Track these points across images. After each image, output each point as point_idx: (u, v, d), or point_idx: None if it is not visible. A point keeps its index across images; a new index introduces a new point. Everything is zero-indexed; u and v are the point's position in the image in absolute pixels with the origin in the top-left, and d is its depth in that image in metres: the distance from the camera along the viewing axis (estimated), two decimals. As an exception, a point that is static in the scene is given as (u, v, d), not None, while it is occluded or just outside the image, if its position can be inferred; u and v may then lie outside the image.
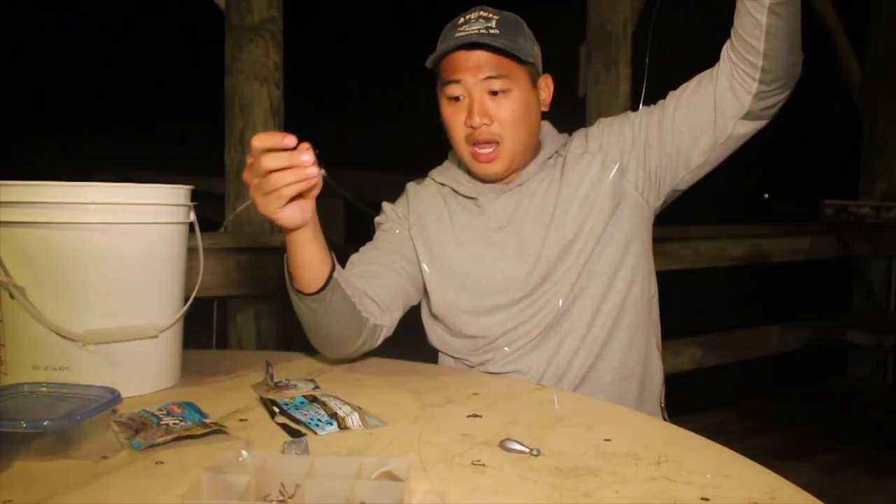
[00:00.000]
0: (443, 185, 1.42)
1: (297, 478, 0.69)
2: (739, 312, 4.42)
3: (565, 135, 1.40)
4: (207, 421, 0.94)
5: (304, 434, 0.92)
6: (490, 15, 1.29)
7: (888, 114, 4.09)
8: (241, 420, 0.99)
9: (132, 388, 1.08)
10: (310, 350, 1.34)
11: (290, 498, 0.70)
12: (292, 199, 1.02)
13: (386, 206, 1.47)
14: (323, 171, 1.02)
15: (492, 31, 1.26)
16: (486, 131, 1.28)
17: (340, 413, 0.97)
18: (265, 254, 2.32)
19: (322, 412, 0.98)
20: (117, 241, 1.08)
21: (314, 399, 1.03)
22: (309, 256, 1.12)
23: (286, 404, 1.01)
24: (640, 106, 1.33)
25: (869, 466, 2.79)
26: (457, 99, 1.30)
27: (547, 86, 1.37)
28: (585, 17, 3.30)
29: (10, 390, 0.95)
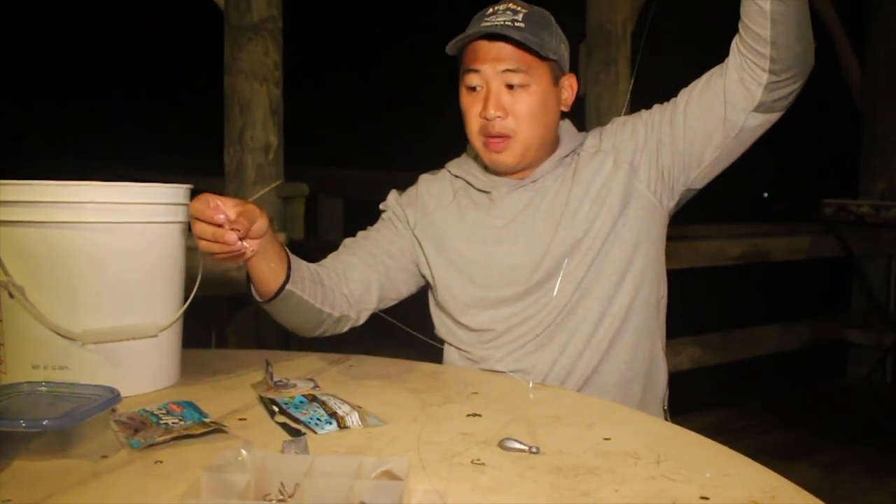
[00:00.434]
0: (457, 177, 1.42)
1: (297, 477, 0.69)
2: (739, 312, 4.42)
3: (584, 133, 1.39)
4: (207, 420, 0.94)
5: (304, 433, 0.92)
6: (518, 8, 1.28)
7: (888, 113, 4.09)
8: (241, 419, 0.99)
9: (132, 387, 1.08)
10: (310, 349, 1.34)
11: (289, 497, 0.70)
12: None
13: (393, 195, 1.47)
14: (250, 247, 1.06)
15: (517, 24, 1.25)
16: (500, 124, 1.27)
17: (340, 412, 0.97)
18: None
19: (321, 411, 0.98)
20: (117, 241, 1.08)
21: (314, 398, 1.03)
22: (261, 274, 1.16)
23: (286, 403, 1.01)
24: (625, 106, 1.33)
25: (868, 465, 2.79)
26: (474, 89, 1.29)
27: (570, 85, 1.35)
28: (585, 17, 3.30)
29: (10, 390, 0.95)
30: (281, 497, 0.70)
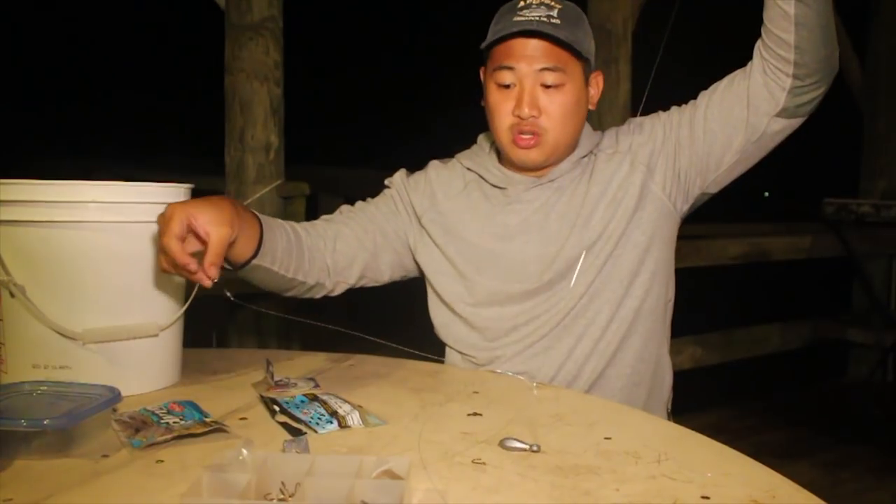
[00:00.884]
0: (469, 169, 1.40)
1: (298, 476, 0.69)
2: (740, 311, 4.42)
3: (599, 133, 1.38)
4: (208, 420, 0.94)
5: (305, 433, 0.92)
6: (552, 3, 1.25)
7: (888, 112, 4.09)
8: (242, 419, 0.99)
9: (132, 386, 1.08)
10: (310, 349, 1.34)
11: (290, 496, 0.70)
12: None
13: (401, 175, 1.45)
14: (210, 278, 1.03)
15: (553, 21, 1.21)
16: (533, 123, 1.25)
17: (341, 412, 0.97)
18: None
19: (322, 411, 0.98)
20: (118, 240, 1.08)
21: (314, 398, 1.03)
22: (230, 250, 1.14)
23: (286, 403, 1.01)
24: (632, 107, 1.32)
25: (869, 465, 2.79)
26: (507, 86, 1.26)
27: (597, 83, 1.33)
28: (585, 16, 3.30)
29: (11, 389, 0.95)
30: (282, 496, 0.70)
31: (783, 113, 1.19)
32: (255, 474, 0.68)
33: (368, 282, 1.41)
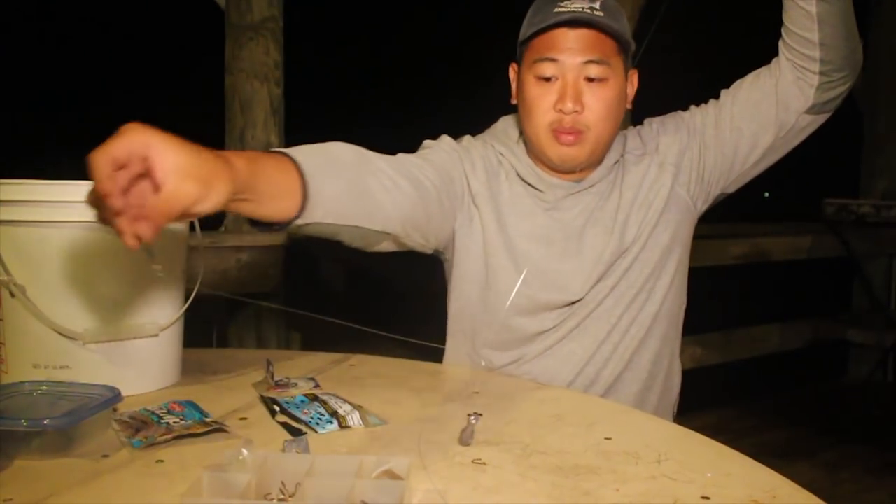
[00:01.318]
0: (502, 155, 1.31)
1: (298, 476, 0.69)
2: (740, 311, 4.42)
3: (622, 133, 1.34)
4: (208, 420, 0.94)
5: (305, 433, 0.92)
6: None
7: (888, 112, 4.08)
8: (242, 419, 0.99)
9: (133, 386, 1.08)
10: (310, 349, 1.34)
11: (290, 496, 0.70)
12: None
13: (449, 140, 1.32)
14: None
15: (596, 13, 1.16)
16: (575, 119, 1.19)
17: (341, 412, 0.97)
18: (265, 252, 2.32)
19: (322, 411, 0.98)
20: (118, 240, 1.07)
21: (315, 398, 1.03)
22: (265, 215, 0.95)
23: (287, 403, 1.01)
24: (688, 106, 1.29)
25: (869, 465, 2.79)
26: (547, 80, 1.20)
27: (633, 82, 1.29)
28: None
29: (11, 389, 0.95)
30: (282, 496, 0.70)
31: (812, 109, 1.19)
32: (255, 474, 0.68)
33: (418, 245, 1.26)
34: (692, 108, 1.31)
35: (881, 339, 3.83)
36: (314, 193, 0.98)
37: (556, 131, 1.21)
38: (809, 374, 4.13)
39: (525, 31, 1.23)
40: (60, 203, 1.05)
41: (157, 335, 1.13)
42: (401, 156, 1.23)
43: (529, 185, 1.30)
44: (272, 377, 1.13)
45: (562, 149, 1.22)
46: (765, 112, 1.21)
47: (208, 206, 0.78)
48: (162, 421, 0.92)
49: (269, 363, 1.15)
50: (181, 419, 0.94)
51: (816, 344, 3.91)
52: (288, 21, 2.51)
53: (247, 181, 0.85)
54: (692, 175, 1.29)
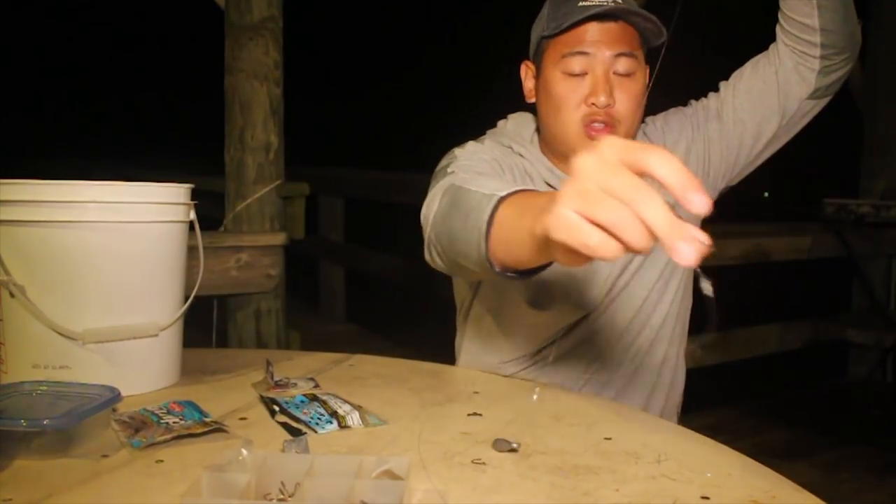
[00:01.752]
0: (521, 156, 1.29)
1: (298, 476, 0.69)
2: (740, 311, 4.42)
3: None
4: (207, 420, 0.94)
5: (305, 433, 0.92)
6: None
7: (888, 113, 4.09)
8: (242, 419, 0.99)
9: (132, 386, 1.08)
10: (310, 349, 1.34)
11: (290, 496, 0.70)
12: None
13: (473, 147, 1.27)
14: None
15: (620, 6, 1.15)
16: (608, 113, 1.17)
17: (341, 412, 0.97)
18: (265, 252, 2.32)
19: (322, 411, 0.98)
20: (117, 240, 1.08)
21: (314, 398, 1.03)
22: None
23: (286, 403, 1.01)
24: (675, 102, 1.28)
25: (869, 465, 2.79)
26: (576, 74, 1.18)
27: (646, 77, 1.27)
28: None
29: (10, 389, 0.95)
30: (282, 496, 0.70)
31: (814, 94, 1.18)
32: (255, 474, 0.68)
33: None
34: (692, 102, 1.30)
35: (881, 340, 3.83)
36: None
37: (588, 127, 1.19)
38: (809, 375, 4.13)
39: (549, 27, 1.20)
40: (60, 203, 1.05)
41: (156, 335, 1.12)
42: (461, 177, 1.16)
43: (548, 184, 1.27)
44: (272, 377, 1.13)
45: (593, 144, 1.21)
46: (767, 102, 1.20)
47: None
48: (161, 421, 0.92)
49: (268, 363, 1.15)
50: (181, 419, 0.93)
51: (816, 344, 3.92)
52: (287, 21, 2.51)
53: None
54: (698, 172, 1.28)
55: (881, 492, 2.60)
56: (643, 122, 1.36)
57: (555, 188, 1.26)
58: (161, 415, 0.95)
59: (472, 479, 0.79)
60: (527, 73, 1.29)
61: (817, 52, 1.14)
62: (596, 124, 1.18)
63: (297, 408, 0.99)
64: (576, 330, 1.28)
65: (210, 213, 1.66)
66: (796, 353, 3.85)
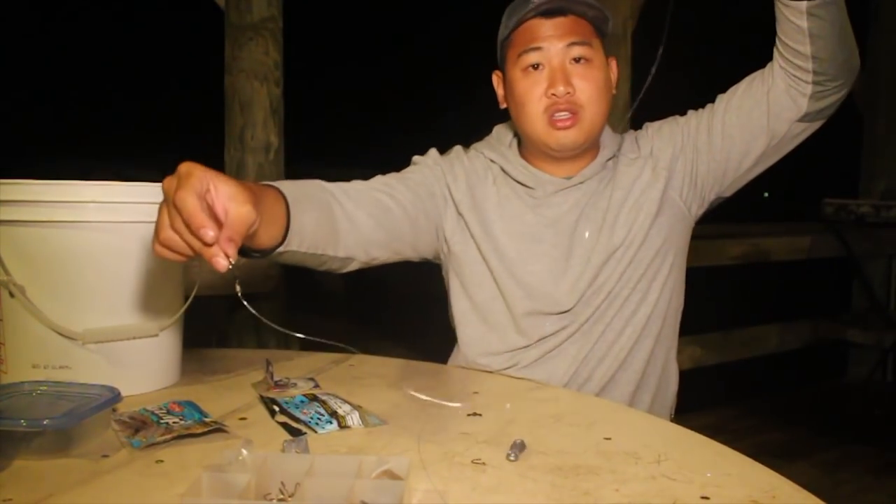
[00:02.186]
0: (492, 161, 1.35)
1: (298, 476, 0.69)
2: (739, 311, 4.42)
3: (618, 135, 1.36)
4: (207, 420, 0.94)
5: (304, 433, 0.92)
6: None
7: (888, 113, 4.09)
8: (242, 419, 0.99)
9: (132, 386, 1.08)
10: (310, 349, 1.34)
11: (290, 496, 0.70)
12: None
13: (434, 154, 1.38)
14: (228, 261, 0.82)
15: (564, 1, 1.21)
16: (568, 100, 1.21)
17: (340, 412, 0.97)
18: (265, 253, 2.32)
19: (322, 411, 0.98)
20: (117, 240, 1.08)
21: (314, 398, 1.03)
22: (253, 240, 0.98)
23: (286, 403, 1.01)
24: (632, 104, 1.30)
25: (869, 465, 2.79)
26: (535, 67, 1.23)
27: (613, 69, 1.32)
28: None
29: (10, 389, 0.95)
30: (281, 496, 0.70)
31: (805, 118, 1.18)
32: (255, 474, 0.68)
33: (397, 259, 1.33)
34: (690, 112, 1.31)
35: (881, 339, 3.84)
36: (295, 223, 1.05)
37: (553, 118, 1.23)
38: (809, 375, 4.13)
39: (503, 32, 1.28)
40: (60, 203, 1.05)
41: (156, 335, 1.13)
42: (374, 180, 1.30)
43: (520, 183, 1.32)
44: (272, 377, 1.13)
45: (559, 133, 1.24)
46: (756, 120, 1.21)
47: (256, 225, 0.88)
48: (161, 421, 0.92)
49: (268, 363, 1.15)
50: (181, 419, 0.94)
51: (816, 344, 3.92)
52: (287, 21, 2.52)
53: (261, 207, 0.91)
54: (685, 181, 1.29)
55: (881, 492, 2.60)
56: (643, 126, 1.37)
57: (524, 184, 1.31)
58: (161, 415, 0.95)
59: (472, 479, 0.79)
60: (497, 81, 1.35)
61: (809, 77, 1.13)
62: (559, 114, 1.23)
63: (297, 408, 0.99)
64: (555, 326, 1.28)
65: (210, 213, 1.65)
66: (796, 353, 3.85)
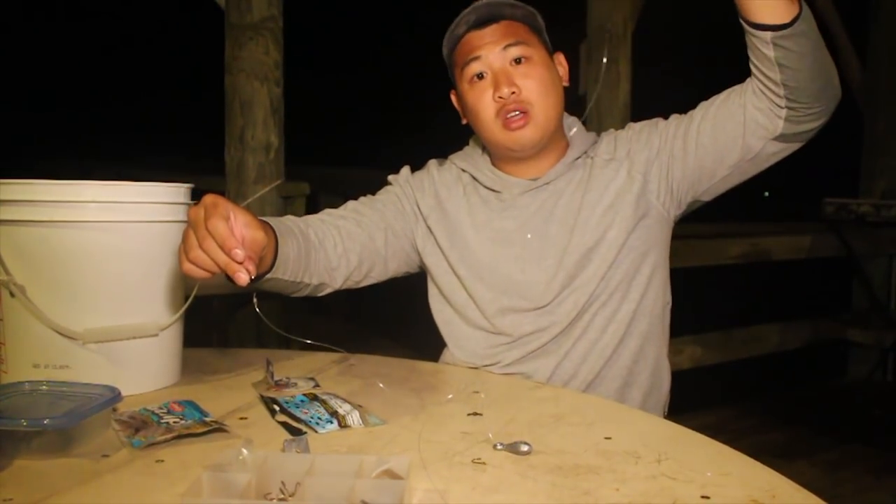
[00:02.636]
0: (463, 171, 1.39)
1: (298, 476, 0.70)
2: (740, 311, 4.42)
3: (593, 134, 1.37)
4: (208, 419, 0.94)
5: (305, 432, 0.92)
6: None
7: (888, 112, 4.08)
8: (242, 418, 0.99)
9: (133, 386, 1.08)
10: (310, 348, 1.34)
11: (290, 496, 0.70)
12: None
13: (405, 172, 1.44)
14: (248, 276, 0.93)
15: (495, 7, 1.27)
16: (516, 100, 1.24)
17: (341, 411, 0.97)
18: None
19: (322, 410, 0.98)
20: (118, 240, 1.08)
21: (314, 397, 1.03)
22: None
23: (286, 402, 1.01)
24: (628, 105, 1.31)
25: (869, 465, 2.79)
26: (481, 77, 1.27)
27: (561, 62, 1.34)
28: (585, 16, 3.30)
29: (11, 389, 0.95)
30: (282, 496, 0.70)
31: (781, 138, 1.16)
32: (255, 474, 0.68)
33: (374, 279, 1.40)
34: (672, 116, 1.30)
35: (881, 339, 3.84)
36: (281, 253, 1.14)
37: (506, 120, 1.26)
38: (809, 374, 4.13)
39: (445, 51, 1.34)
40: (60, 203, 1.05)
41: (156, 335, 1.13)
42: (343, 208, 1.39)
43: (488, 188, 1.35)
44: (272, 377, 1.13)
45: (514, 134, 1.26)
46: (730, 133, 1.19)
47: (267, 250, 1.05)
48: (162, 421, 0.93)
49: (268, 363, 1.15)
50: (181, 419, 0.94)
51: (816, 343, 3.92)
52: (288, 21, 2.52)
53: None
54: (661, 185, 1.29)
55: (881, 491, 2.60)
56: (626, 126, 1.37)
57: (492, 189, 1.35)
58: (161, 414, 0.95)
59: (473, 478, 0.79)
60: (455, 99, 1.39)
61: (783, 102, 1.12)
62: (511, 115, 1.25)
63: (298, 407, 0.99)
64: (533, 325, 1.29)
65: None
66: (796, 352, 3.85)
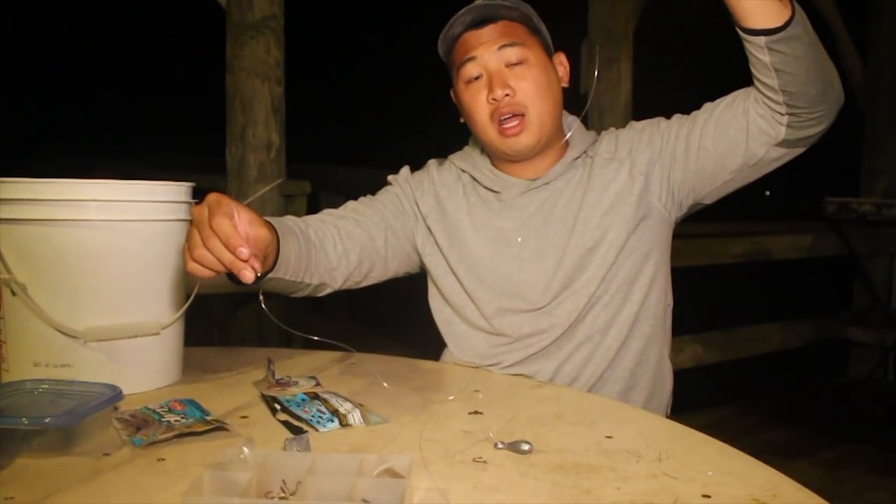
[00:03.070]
0: (463, 171, 1.39)
1: (299, 474, 0.69)
2: (741, 310, 4.42)
3: (593, 133, 1.36)
4: (209, 418, 0.94)
5: (306, 431, 0.92)
6: None
7: (889, 111, 4.09)
8: (243, 417, 0.99)
9: (134, 384, 1.08)
10: (311, 347, 1.34)
11: (291, 495, 0.70)
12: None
13: (405, 172, 1.43)
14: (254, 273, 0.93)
15: (492, 7, 1.25)
16: (510, 102, 1.23)
17: (342, 410, 0.97)
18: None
19: (323, 409, 0.98)
20: (119, 238, 1.08)
21: (315, 396, 1.03)
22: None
23: (287, 401, 1.01)
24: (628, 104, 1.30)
25: (870, 464, 2.79)
26: (476, 79, 1.26)
27: (562, 62, 1.33)
28: (587, 15, 3.30)
29: (12, 387, 0.95)
30: (283, 495, 0.70)
31: (783, 144, 1.15)
32: (256, 472, 0.68)
33: (374, 279, 1.39)
34: (675, 117, 1.29)
35: (882, 338, 3.84)
36: (283, 252, 1.13)
37: (501, 125, 1.25)
38: (810, 373, 4.13)
39: (442, 52, 1.32)
40: (61, 202, 1.05)
41: (158, 333, 1.13)
42: (342, 208, 1.38)
43: (487, 188, 1.35)
44: (273, 375, 1.13)
45: (511, 140, 1.26)
46: (733, 137, 1.19)
47: (271, 247, 1.05)
48: (163, 419, 0.93)
49: (270, 361, 1.15)
50: (182, 417, 0.94)
51: (817, 343, 3.92)
52: (289, 19, 2.52)
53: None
54: (662, 186, 1.28)
55: (882, 490, 2.60)
56: (628, 125, 1.36)
57: (491, 189, 1.34)
58: (162, 413, 0.95)
59: (474, 477, 0.79)
60: (454, 97, 1.37)
61: (783, 108, 1.11)
62: (505, 119, 1.25)
63: (299, 406, 0.99)
64: (533, 327, 1.29)
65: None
66: (797, 351, 3.85)
